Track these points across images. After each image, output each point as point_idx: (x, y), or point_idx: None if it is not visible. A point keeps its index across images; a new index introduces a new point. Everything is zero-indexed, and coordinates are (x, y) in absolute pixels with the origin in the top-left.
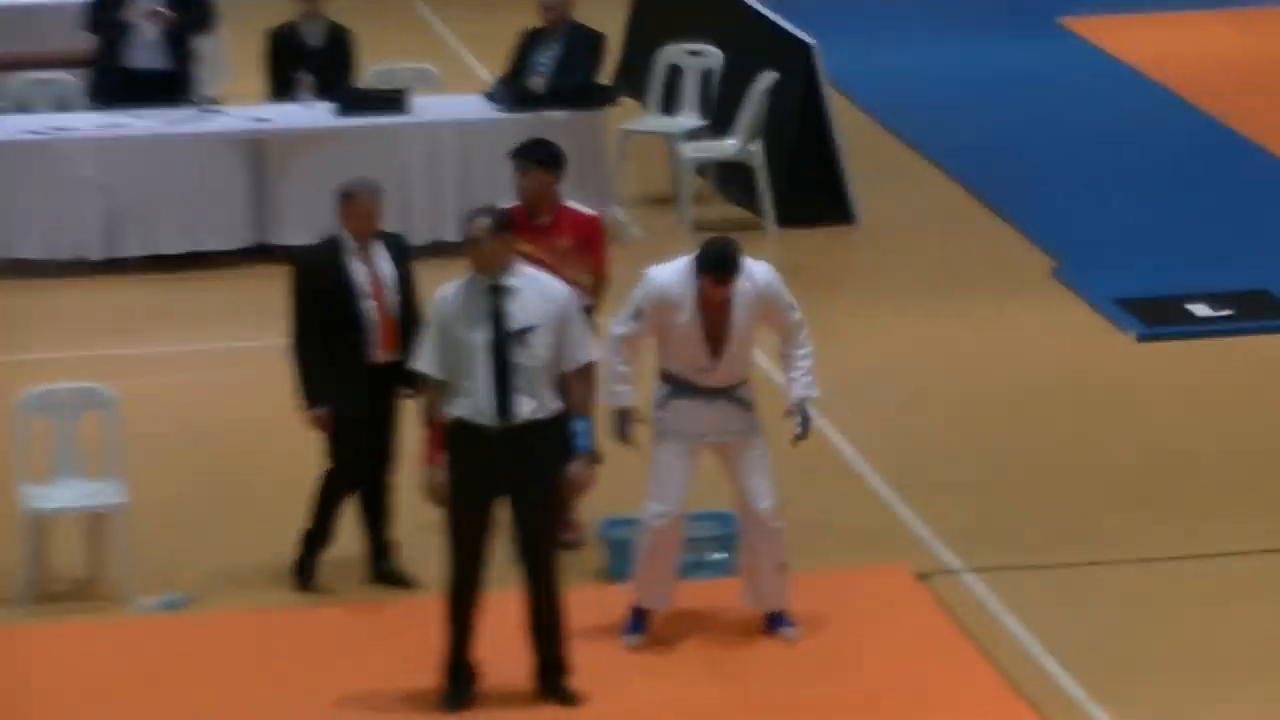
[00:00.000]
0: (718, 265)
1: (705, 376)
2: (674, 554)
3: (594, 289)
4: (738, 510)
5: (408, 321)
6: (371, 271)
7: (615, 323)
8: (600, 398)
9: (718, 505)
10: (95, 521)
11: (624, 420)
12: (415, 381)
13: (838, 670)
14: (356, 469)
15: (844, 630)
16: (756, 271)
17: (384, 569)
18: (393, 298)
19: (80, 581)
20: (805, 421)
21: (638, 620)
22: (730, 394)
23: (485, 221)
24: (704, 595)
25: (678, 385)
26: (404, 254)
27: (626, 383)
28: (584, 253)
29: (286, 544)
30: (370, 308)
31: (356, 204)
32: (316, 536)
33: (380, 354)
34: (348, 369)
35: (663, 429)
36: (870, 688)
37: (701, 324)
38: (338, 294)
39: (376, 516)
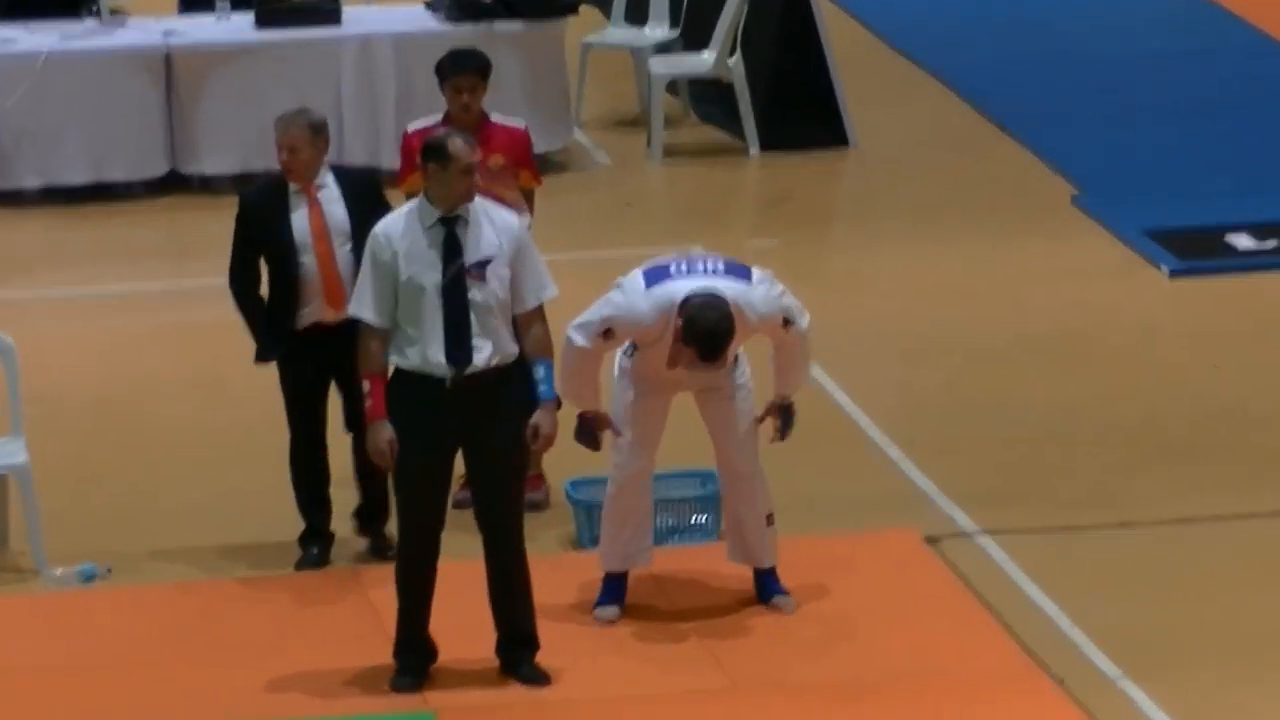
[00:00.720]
0: (707, 346)
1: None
2: (648, 505)
3: (527, 205)
4: (716, 462)
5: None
6: (316, 217)
7: (578, 331)
8: (559, 391)
9: (694, 460)
10: None
11: (591, 424)
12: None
13: (843, 645)
14: (308, 440)
15: (848, 600)
16: (755, 300)
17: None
18: (343, 248)
19: None
20: (787, 421)
21: (612, 589)
22: None
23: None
24: (686, 561)
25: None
26: (365, 195)
27: (591, 386)
28: (519, 169)
29: (201, 507)
30: (309, 261)
31: (278, 137)
32: (306, 510)
33: (328, 313)
34: (290, 330)
35: (632, 374)
36: (879, 664)
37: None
38: (271, 243)
39: (367, 500)
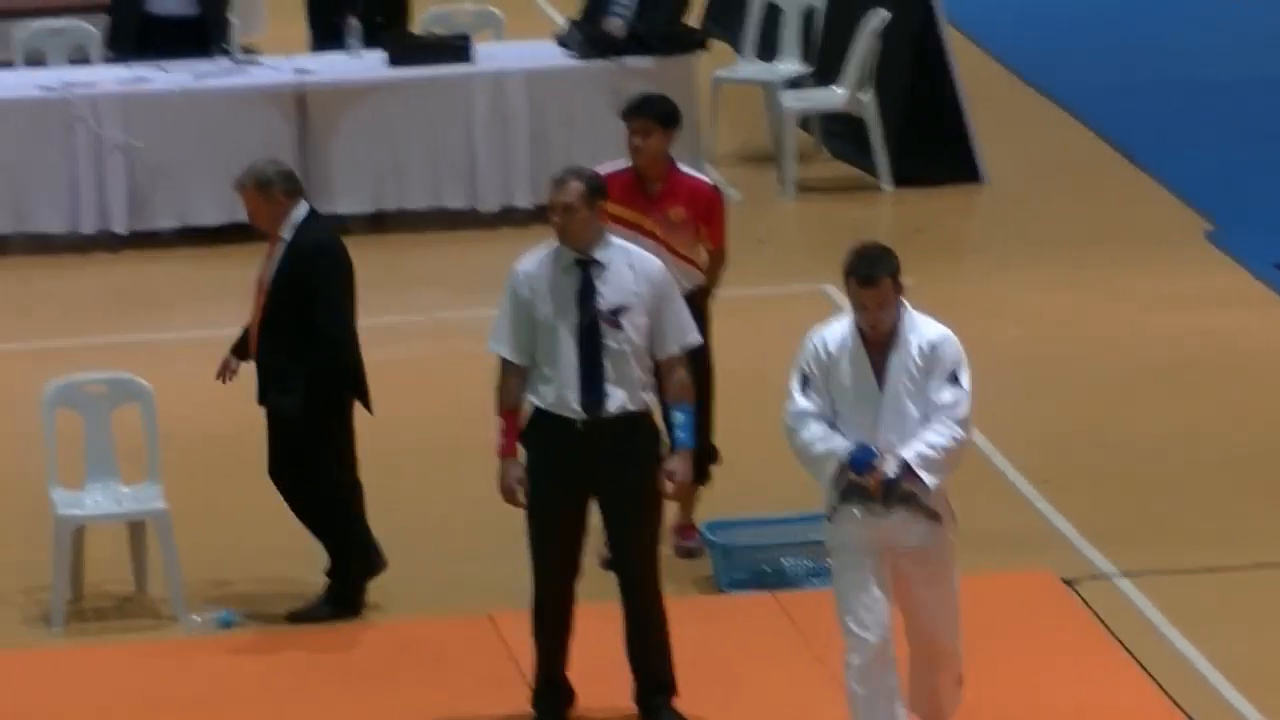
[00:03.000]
0: (862, 261)
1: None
2: (893, 694)
3: (711, 268)
4: (906, 632)
5: (267, 336)
6: (262, 274)
7: (787, 412)
8: (817, 476)
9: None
10: (134, 530)
11: (891, 481)
12: (278, 401)
13: (986, 687)
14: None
15: (989, 642)
16: (930, 329)
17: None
18: (262, 308)
19: (120, 597)
20: (891, 487)
21: None
22: (908, 498)
23: (578, 185)
24: (828, 606)
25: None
26: (297, 260)
27: (835, 439)
28: (699, 225)
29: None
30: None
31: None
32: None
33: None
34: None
35: (834, 545)
36: (1020, 706)
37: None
38: None
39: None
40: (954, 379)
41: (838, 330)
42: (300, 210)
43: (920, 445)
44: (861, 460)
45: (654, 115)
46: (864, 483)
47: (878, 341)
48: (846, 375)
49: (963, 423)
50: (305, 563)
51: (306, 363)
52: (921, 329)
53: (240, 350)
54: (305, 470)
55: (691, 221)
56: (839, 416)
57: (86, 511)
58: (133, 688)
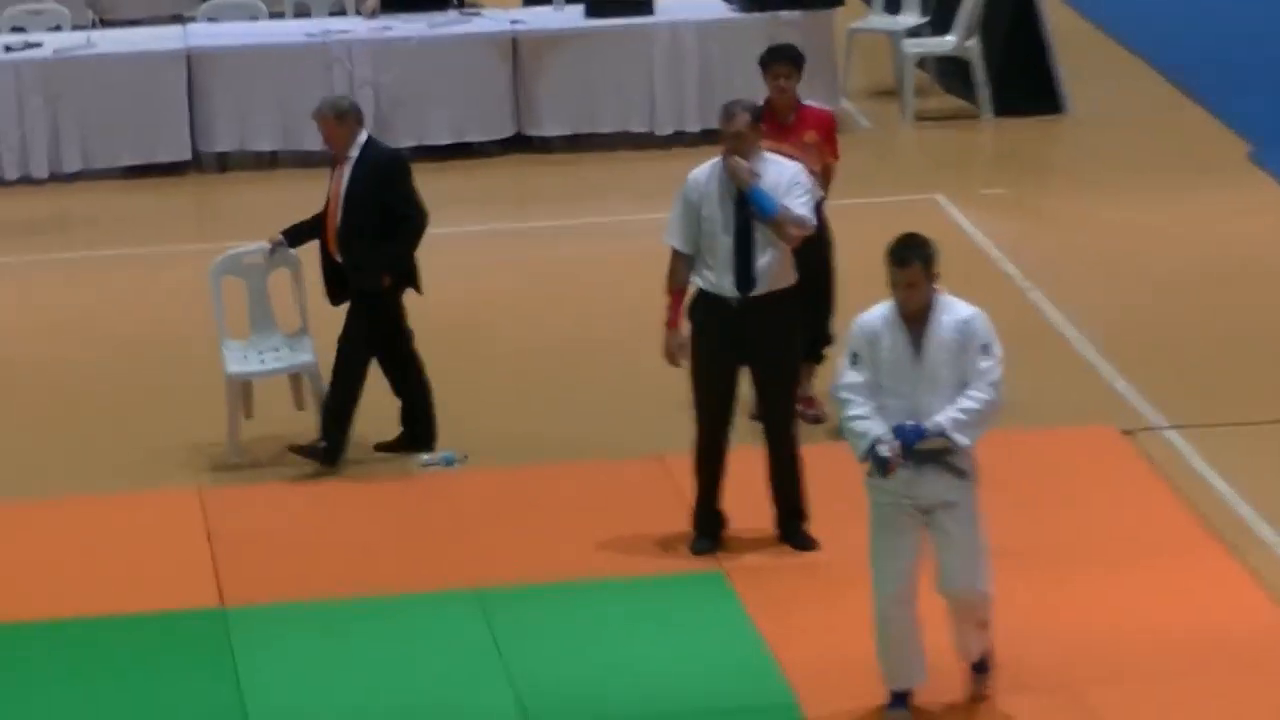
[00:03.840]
0: (898, 245)
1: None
2: (910, 630)
3: (826, 179)
4: (941, 583)
5: (347, 235)
6: (334, 187)
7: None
8: (853, 446)
9: None
10: (293, 380)
11: (887, 455)
12: (363, 280)
13: (1049, 517)
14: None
15: (1057, 481)
16: (961, 308)
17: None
18: (339, 213)
19: (281, 439)
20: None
21: (899, 699)
22: (938, 456)
23: (745, 116)
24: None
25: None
26: (368, 173)
27: (870, 423)
28: (822, 145)
29: (543, 408)
30: (328, 216)
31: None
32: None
33: (335, 253)
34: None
35: (872, 497)
36: (1079, 533)
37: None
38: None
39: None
40: (985, 350)
41: (879, 311)
42: (363, 135)
43: (954, 411)
44: (879, 462)
45: (791, 60)
46: (883, 468)
47: (914, 319)
48: (888, 349)
49: (995, 385)
50: (513, 415)
51: (388, 249)
52: (954, 309)
53: (291, 238)
54: (388, 339)
55: (819, 143)
56: (882, 386)
57: (250, 368)
58: (307, 521)
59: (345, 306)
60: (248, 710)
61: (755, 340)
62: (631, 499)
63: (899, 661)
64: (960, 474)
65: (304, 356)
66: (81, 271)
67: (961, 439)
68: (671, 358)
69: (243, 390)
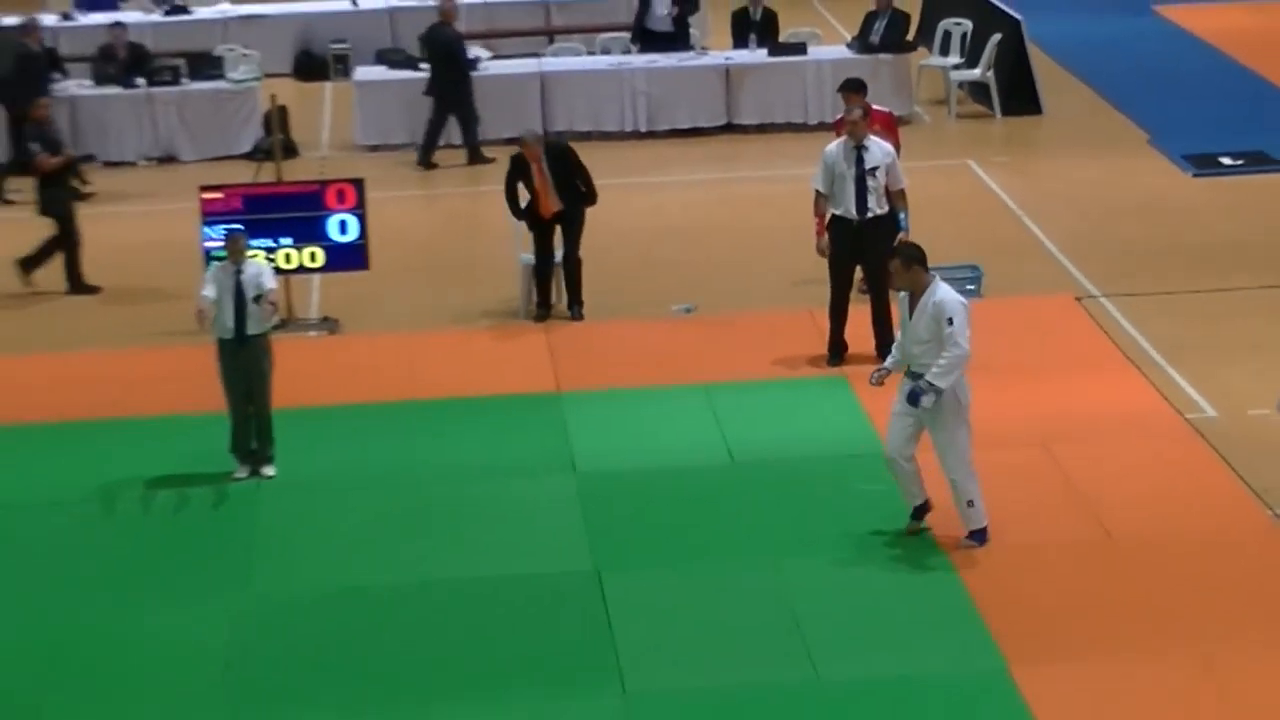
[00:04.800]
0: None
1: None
2: (903, 476)
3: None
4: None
5: (566, 199)
6: (541, 176)
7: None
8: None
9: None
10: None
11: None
12: (570, 221)
13: (1029, 346)
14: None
15: (1033, 327)
16: (941, 293)
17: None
18: (551, 188)
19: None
20: (915, 394)
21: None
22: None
23: (859, 111)
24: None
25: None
26: (558, 160)
27: (892, 353)
28: (885, 133)
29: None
30: (537, 191)
31: (523, 145)
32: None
33: (546, 212)
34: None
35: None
36: (1046, 355)
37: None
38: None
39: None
40: (950, 322)
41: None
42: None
43: (934, 368)
44: (911, 394)
45: (857, 89)
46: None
47: (912, 296)
48: (903, 314)
49: (956, 344)
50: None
51: (582, 203)
52: (938, 293)
53: (529, 217)
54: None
55: (883, 132)
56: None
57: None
58: (573, 353)
59: None
60: (573, 452)
61: (867, 243)
62: (793, 335)
63: (904, 492)
64: (914, 395)
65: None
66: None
67: (941, 384)
68: (821, 252)
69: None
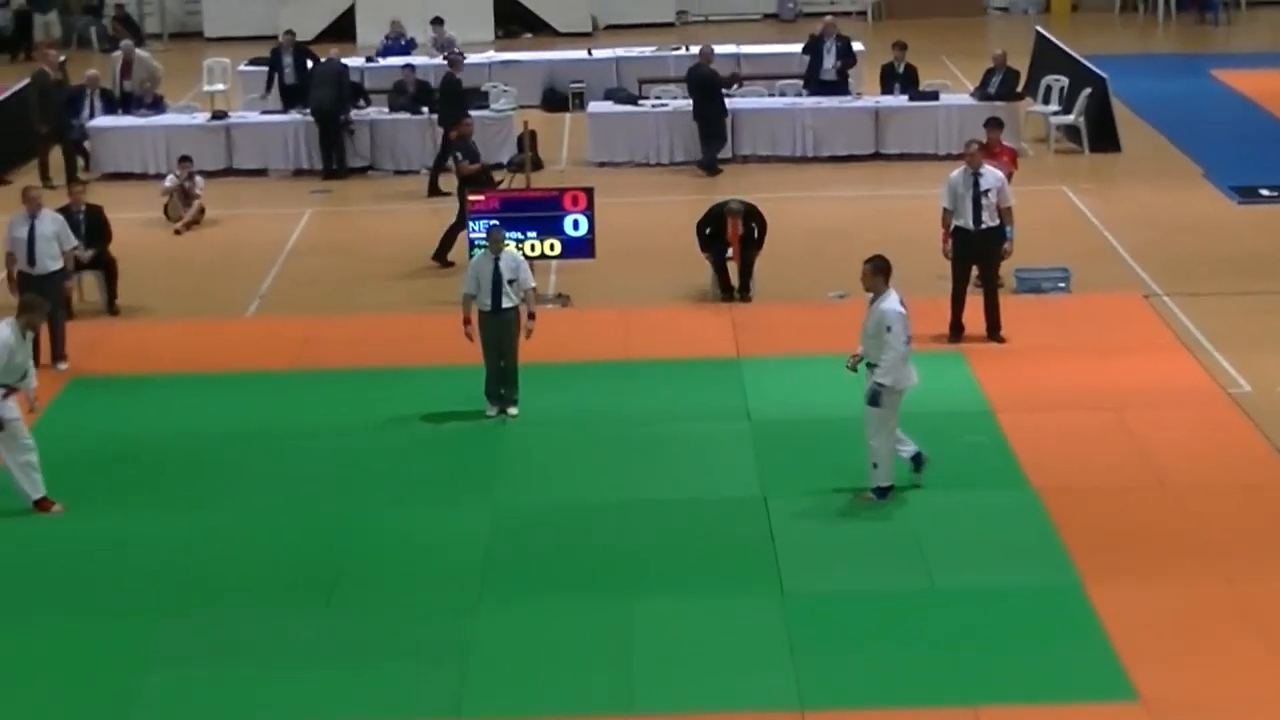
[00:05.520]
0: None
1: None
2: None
3: (1008, 177)
4: None
5: (746, 241)
6: (734, 229)
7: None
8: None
9: None
10: None
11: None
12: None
13: (1097, 333)
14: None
15: (1106, 319)
16: (886, 302)
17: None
18: (740, 227)
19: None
20: (873, 396)
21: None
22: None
23: (977, 145)
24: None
25: None
26: (748, 218)
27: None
28: (1009, 164)
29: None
30: (729, 240)
31: (728, 211)
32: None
33: (733, 241)
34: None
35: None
36: (1110, 337)
37: None
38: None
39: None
40: (889, 330)
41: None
42: None
43: (879, 368)
44: (870, 396)
45: (997, 124)
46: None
47: (872, 299)
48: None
49: (894, 348)
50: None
51: (756, 247)
52: (885, 302)
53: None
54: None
55: (1007, 162)
56: None
57: None
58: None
59: None
60: (748, 404)
61: (982, 247)
62: (924, 318)
63: (899, 453)
64: (879, 387)
65: None
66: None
67: (886, 381)
68: (945, 255)
69: None
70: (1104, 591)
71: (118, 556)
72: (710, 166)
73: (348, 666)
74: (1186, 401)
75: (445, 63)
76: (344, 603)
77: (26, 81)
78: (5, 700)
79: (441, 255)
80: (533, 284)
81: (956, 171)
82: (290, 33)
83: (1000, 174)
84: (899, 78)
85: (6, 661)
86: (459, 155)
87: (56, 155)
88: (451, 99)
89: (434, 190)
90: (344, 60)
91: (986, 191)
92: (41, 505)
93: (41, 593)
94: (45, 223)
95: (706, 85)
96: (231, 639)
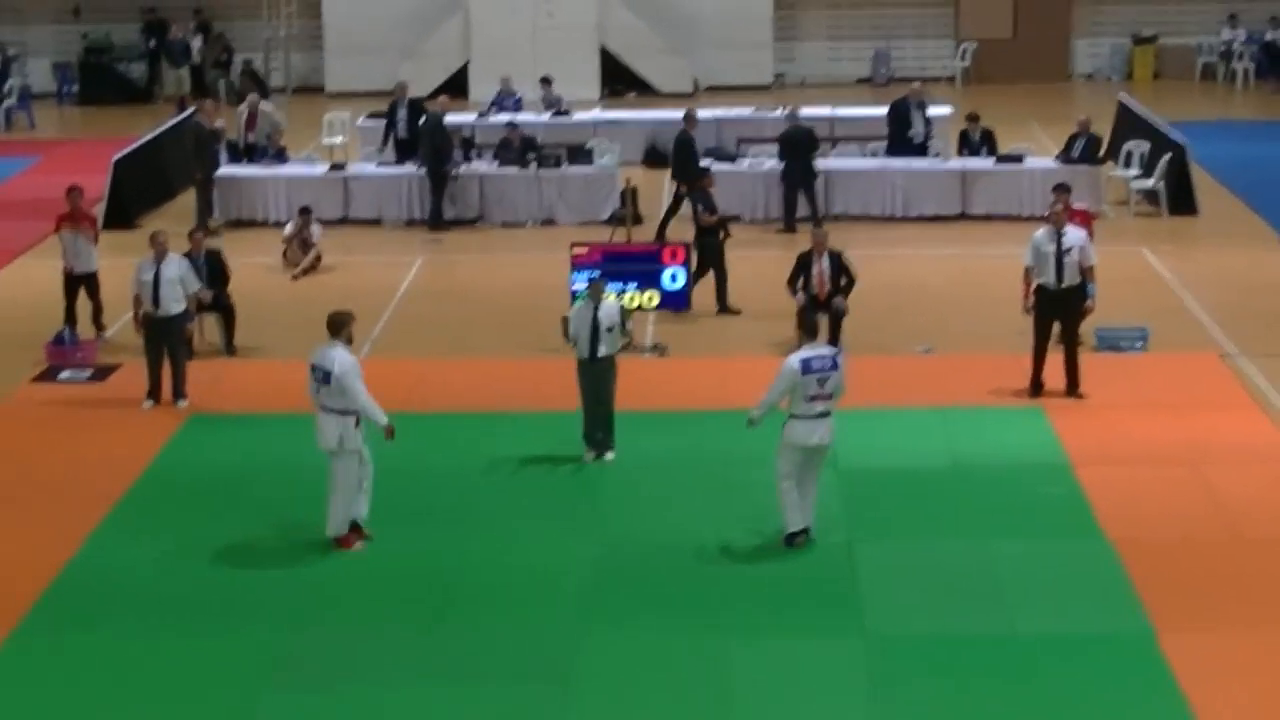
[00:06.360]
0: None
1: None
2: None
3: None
4: None
5: (835, 285)
6: (819, 271)
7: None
8: None
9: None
10: None
11: None
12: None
13: (1180, 389)
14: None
15: (1187, 377)
16: (792, 355)
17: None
18: (827, 279)
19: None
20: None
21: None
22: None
23: (1059, 206)
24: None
25: None
26: (835, 261)
27: None
28: (1083, 225)
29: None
30: (816, 277)
31: (814, 238)
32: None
33: (820, 292)
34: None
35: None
36: (1191, 394)
37: None
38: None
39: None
40: (778, 374)
41: None
42: None
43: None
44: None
45: (1064, 189)
46: None
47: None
48: None
49: (768, 391)
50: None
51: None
52: (789, 356)
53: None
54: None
55: (1082, 225)
56: None
57: None
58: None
59: None
60: (836, 452)
61: (1064, 307)
62: (1005, 373)
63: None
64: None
65: None
66: None
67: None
68: (1026, 311)
69: None
70: (1177, 641)
71: (236, 581)
72: (792, 224)
73: (455, 686)
74: (1261, 458)
75: (553, 119)
76: (452, 627)
77: (158, 130)
78: (136, 710)
79: (722, 305)
80: (630, 327)
81: (1041, 231)
82: (403, 85)
83: (1083, 233)
84: (974, 144)
85: (137, 674)
86: (700, 206)
87: (182, 201)
88: (685, 154)
89: (660, 238)
90: (446, 113)
91: (1069, 250)
92: (345, 541)
93: (165, 613)
94: (170, 267)
95: (800, 146)
96: (345, 660)
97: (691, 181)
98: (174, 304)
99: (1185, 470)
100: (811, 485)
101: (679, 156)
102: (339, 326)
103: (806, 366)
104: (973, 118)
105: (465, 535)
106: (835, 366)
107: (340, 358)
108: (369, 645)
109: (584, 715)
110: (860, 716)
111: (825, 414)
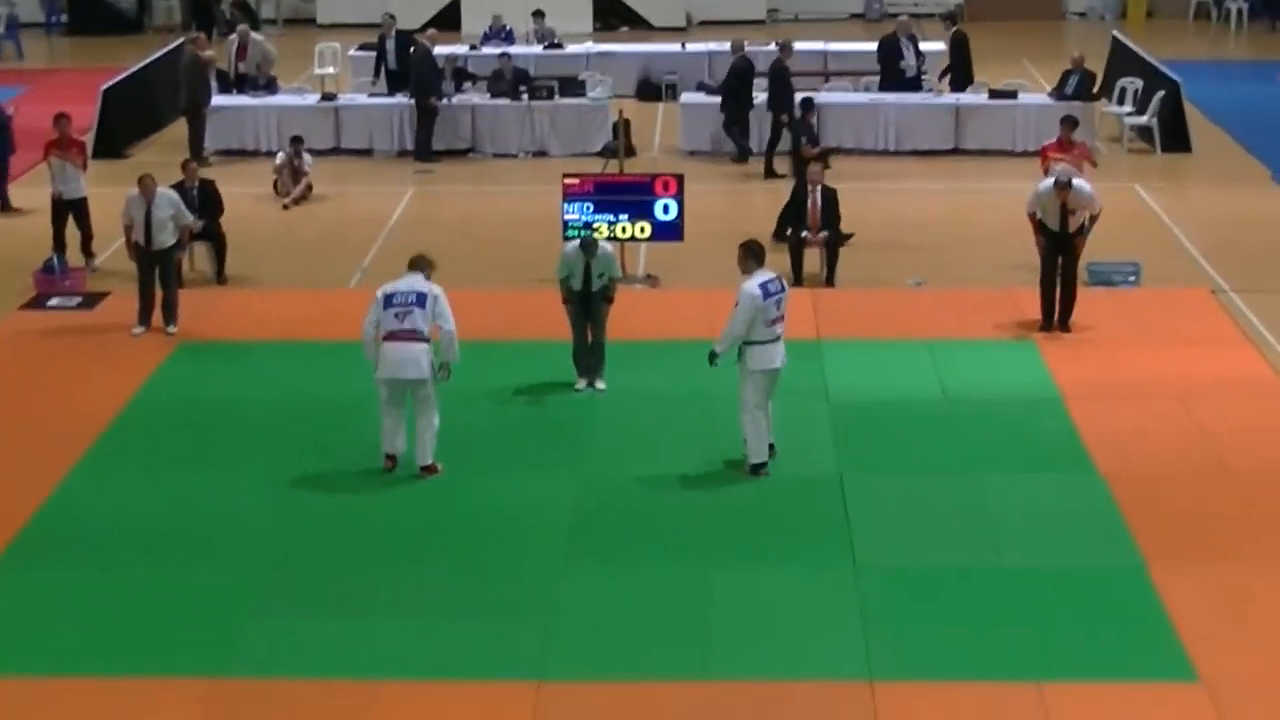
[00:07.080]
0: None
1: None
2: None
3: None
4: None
5: (826, 221)
6: (813, 204)
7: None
8: None
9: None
10: None
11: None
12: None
13: (1169, 320)
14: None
15: (1177, 310)
16: (745, 282)
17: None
18: (819, 214)
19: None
20: (709, 357)
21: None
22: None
23: (1064, 183)
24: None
25: None
26: (828, 201)
27: None
28: (1080, 159)
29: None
30: (810, 211)
31: (810, 174)
32: None
33: (813, 225)
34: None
35: None
36: (1175, 328)
37: None
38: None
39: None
40: (736, 304)
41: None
42: None
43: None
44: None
45: (1072, 122)
46: None
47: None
48: None
49: (731, 322)
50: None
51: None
52: (742, 283)
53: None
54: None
55: (1081, 158)
56: None
57: None
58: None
59: None
60: (827, 384)
61: (1063, 244)
62: (996, 307)
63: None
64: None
65: None
66: None
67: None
68: (1038, 249)
69: None
70: (1166, 574)
71: (221, 513)
72: (769, 167)
73: (437, 622)
74: (1250, 392)
75: (546, 51)
76: (435, 563)
77: (149, 60)
78: (117, 640)
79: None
80: (618, 274)
81: (1045, 181)
82: (391, 17)
83: (1087, 188)
84: (1068, 87)
85: (119, 606)
86: (803, 139)
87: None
88: (780, 85)
89: (770, 173)
90: (434, 46)
91: (1074, 211)
92: (430, 469)
93: (149, 545)
94: (161, 207)
95: (780, 82)
96: (327, 593)
97: (781, 112)
98: (166, 238)
99: (1176, 404)
100: (769, 411)
101: (774, 87)
102: (424, 264)
103: (766, 291)
104: (1078, 60)
105: (452, 468)
106: (784, 288)
107: (430, 285)
108: (350, 580)
109: (564, 654)
110: (848, 648)
111: (780, 337)
